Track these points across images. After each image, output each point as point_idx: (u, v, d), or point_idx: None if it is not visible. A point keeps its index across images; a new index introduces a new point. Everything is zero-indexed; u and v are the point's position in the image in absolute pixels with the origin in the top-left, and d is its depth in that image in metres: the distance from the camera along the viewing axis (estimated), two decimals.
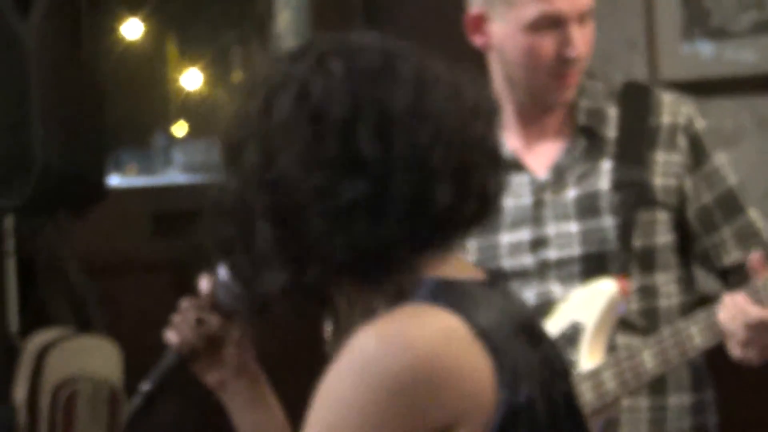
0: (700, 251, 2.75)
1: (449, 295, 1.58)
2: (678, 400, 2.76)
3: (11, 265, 3.78)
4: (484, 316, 1.56)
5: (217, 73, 4.96)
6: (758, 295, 2.43)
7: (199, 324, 1.89)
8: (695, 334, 2.54)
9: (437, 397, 1.53)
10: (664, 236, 2.76)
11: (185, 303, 1.91)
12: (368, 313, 1.63)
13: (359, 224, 1.57)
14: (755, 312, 2.41)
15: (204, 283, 1.89)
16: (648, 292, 2.73)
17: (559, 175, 2.80)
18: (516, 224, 2.79)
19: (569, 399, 1.67)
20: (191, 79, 4.93)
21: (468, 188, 1.62)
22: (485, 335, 1.53)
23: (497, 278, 1.87)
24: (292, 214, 1.59)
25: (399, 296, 1.60)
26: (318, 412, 1.56)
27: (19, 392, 3.67)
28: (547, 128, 2.85)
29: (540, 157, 2.84)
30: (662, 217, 2.76)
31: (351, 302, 1.72)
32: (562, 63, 2.68)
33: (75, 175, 3.53)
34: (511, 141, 2.82)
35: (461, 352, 1.53)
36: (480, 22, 2.77)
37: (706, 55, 4.32)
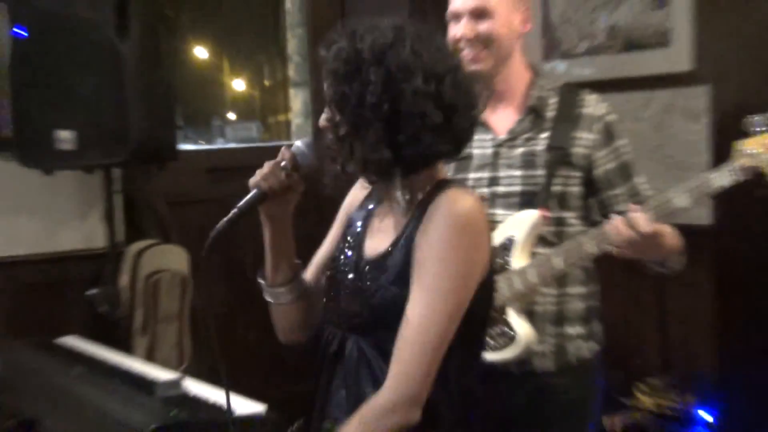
0: (600, 200, 3.03)
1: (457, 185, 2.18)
2: (575, 290, 3.07)
3: (119, 199, 4.22)
4: None
5: (254, 80, 5.34)
6: (630, 221, 2.72)
7: (287, 176, 2.22)
8: (589, 243, 2.88)
9: (487, 240, 2.16)
10: (575, 187, 3.04)
11: (285, 156, 2.24)
12: (404, 194, 2.19)
13: (429, 136, 2.07)
14: (623, 233, 2.74)
15: (286, 151, 2.25)
16: (560, 222, 3.02)
17: (514, 137, 3.05)
18: (480, 167, 3.08)
19: None
20: (238, 84, 5.32)
21: (472, 118, 2.17)
22: None
23: None
24: (398, 121, 2.05)
25: (421, 186, 2.17)
26: (443, 263, 2.08)
27: (123, 279, 4.13)
28: (504, 105, 3.10)
29: (501, 121, 3.09)
30: (575, 174, 3.03)
31: (393, 187, 2.21)
32: (455, 42, 2.98)
33: (156, 142, 3.87)
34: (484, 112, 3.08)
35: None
36: None
37: (560, 70, 4.53)
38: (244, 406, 2.52)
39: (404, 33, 2.08)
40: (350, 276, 2.25)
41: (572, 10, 4.54)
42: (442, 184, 2.16)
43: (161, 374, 2.71)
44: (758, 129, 2.66)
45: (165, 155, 4.01)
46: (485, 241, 2.14)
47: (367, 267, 2.22)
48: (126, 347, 3.87)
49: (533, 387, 3.01)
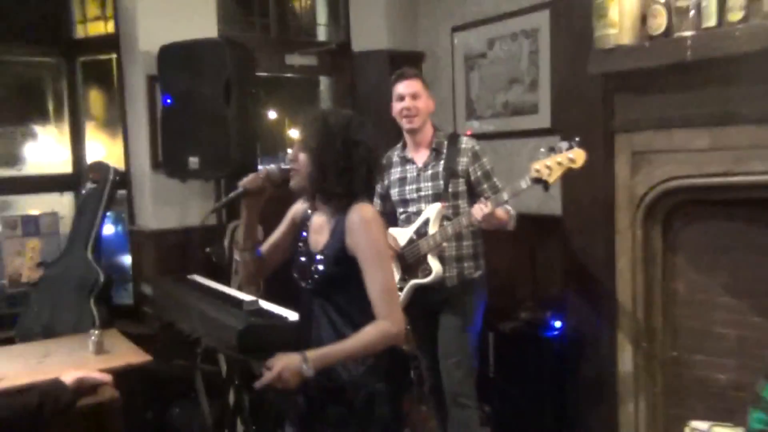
0: (476, 193, 3.12)
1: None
2: (467, 243, 3.20)
3: (223, 197, 3.89)
4: None
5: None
6: (482, 203, 2.89)
7: (262, 183, 2.19)
8: (464, 219, 2.97)
9: (384, 225, 2.12)
10: (461, 188, 3.16)
11: (262, 173, 2.18)
12: (329, 207, 2.10)
13: (359, 183, 2.05)
14: (480, 212, 2.89)
15: (262, 169, 2.21)
16: (455, 208, 3.14)
17: (426, 166, 3.21)
18: (410, 183, 3.22)
19: None
20: (293, 132, 4.86)
21: (373, 174, 2.12)
22: None
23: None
24: (346, 173, 2.02)
25: (344, 205, 2.06)
26: (374, 248, 2.02)
27: (225, 243, 3.94)
28: (421, 148, 3.24)
29: (419, 158, 3.24)
30: (461, 181, 3.15)
31: (324, 202, 2.12)
32: (402, 111, 3.16)
33: (245, 164, 3.60)
34: (410, 152, 3.27)
35: None
36: (392, 105, 3.21)
37: (476, 126, 4.44)
38: (295, 315, 2.49)
39: (353, 120, 2.08)
40: (303, 260, 2.17)
41: (483, 92, 4.46)
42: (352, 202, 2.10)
43: (246, 297, 2.72)
44: (541, 156, 2.78)
45: (250, 171, 3.52)
46: (382, 225, 2.11)
47: (314, 255, 2.13)
48: (227, 282, 3.78)
49: (446, 293, 3.18)
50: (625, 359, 3.38)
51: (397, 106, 3.18)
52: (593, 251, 3.49)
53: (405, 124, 3.19)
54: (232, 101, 3.65)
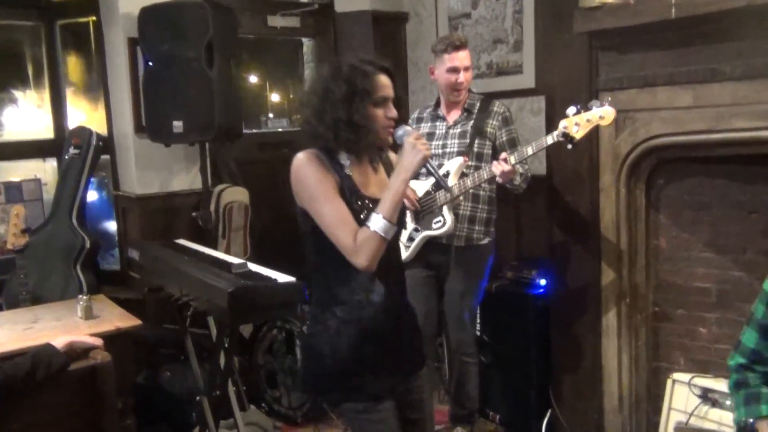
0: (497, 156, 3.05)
1: None
2: (482, 206, 3.28)
3: (208, 160, 3.95)
4: None
5: (283, 94, 5.03)
6: (504, 160, 2.91)
7: None
8: (484, 173, 3.02)
9: None
10: (486, 150, 3.27)
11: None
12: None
13: None
14: (499, 168, 2.92)
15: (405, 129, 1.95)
16: (477, 167, 3.20)
17: (456, 123, 3.32)
18: (438, 138, 3.32)
19: None
20: (274, 96, 4.99)
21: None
22: None
23: None
24: None
25: None
26: None
27: (212, 207, 3.99)
28: (454, 108, 3.35)
29: (451, 116, 3.34)
30: (487, 143, 3.26)
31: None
32: (456, 84, 3.27)
33: (230, 127, 3.69)
34: (443, 110, 3.38)
35: None
36: (433, 68, 3.33)
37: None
38: (283, 277, 2.54)
39: None
40: None
41: None
42: None
43: (234, 260, 2.74)
44: (569, 114, 2.81)
45: (234, 135, 3.84)
46: None
47: None
48: (213, 245, 3.80)
49: (452, 252, 3.28)
50: (609, 314, 3.42)
51: (449, 78, 3.24)
52: (578, 210, 3.50)
53: (454, 97, 3.28)
54: (215, 64, 3.58)
